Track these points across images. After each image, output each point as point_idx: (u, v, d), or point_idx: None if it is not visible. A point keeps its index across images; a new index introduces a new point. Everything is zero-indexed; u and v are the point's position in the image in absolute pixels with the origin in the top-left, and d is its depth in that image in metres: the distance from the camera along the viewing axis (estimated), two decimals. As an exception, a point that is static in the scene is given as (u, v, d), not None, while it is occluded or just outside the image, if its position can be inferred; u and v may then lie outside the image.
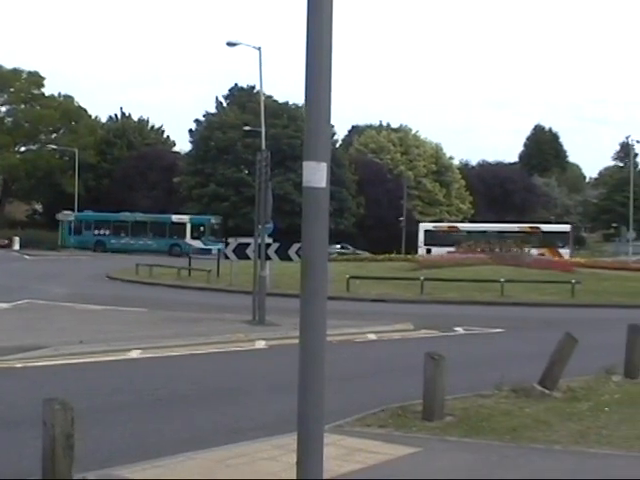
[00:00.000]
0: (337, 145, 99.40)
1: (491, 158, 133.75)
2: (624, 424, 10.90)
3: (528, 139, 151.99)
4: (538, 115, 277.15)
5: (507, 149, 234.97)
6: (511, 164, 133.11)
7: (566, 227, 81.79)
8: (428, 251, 75.91)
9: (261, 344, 20.36)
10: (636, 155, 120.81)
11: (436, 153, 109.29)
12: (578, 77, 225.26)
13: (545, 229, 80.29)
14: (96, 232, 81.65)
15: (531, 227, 79.86)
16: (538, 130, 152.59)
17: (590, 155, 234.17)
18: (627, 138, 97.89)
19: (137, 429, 10.90)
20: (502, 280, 37.67)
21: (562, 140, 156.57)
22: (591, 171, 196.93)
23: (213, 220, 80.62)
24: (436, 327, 24.61)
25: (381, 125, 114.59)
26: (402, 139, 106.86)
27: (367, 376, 15.94)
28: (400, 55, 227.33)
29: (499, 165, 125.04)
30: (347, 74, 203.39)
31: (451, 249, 70.83)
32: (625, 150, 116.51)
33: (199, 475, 8.24)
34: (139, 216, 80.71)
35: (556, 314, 30.92)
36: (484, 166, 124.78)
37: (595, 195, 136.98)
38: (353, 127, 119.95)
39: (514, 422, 10.82)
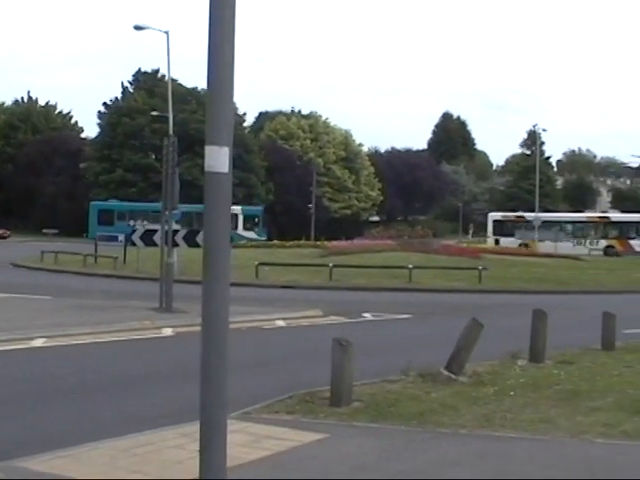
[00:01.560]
0: (246, 131, 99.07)
1: (400, 145, 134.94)
2: (528, 408, 11.05)
3: (437, 127, 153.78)
4: (447, 103, 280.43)
5: (416, 136, 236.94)
6: (420, 151, 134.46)
7: (638, 216, 75.15)
8: (497, 242, 73.63)
9: (168, 331, 20.17)
10: (542, 143, 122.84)
11: (346, 140, 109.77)
12: (486, 66, 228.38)
13: (614, 218, 75.40)
14: (132, 223, 78.43)
15: (600, 216, 76.40)
16: (446, 118, 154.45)
17: (497, 143, 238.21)
18: (534, 126, 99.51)
19: (39, 419, 10.68)
20: (410, 266, 37.96)
21: (470, 128, 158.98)
22: (498, 159, 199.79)
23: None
24: (345, 313, 24.67)
25: (292, 111, 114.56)
26: (312, 126, 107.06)
27: (275, 363, 15.90)
28: (310, 41, 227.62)
29: (408, 152, 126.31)
30: (258, 60, 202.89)
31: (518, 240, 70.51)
32: (532, 138, 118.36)
33: (104, 464, 8.10)
34: (183, 207, 77.99)
35: (463, 300, 31.28)
36: (393, 153, 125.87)
37: (502, 182, 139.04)
38: (261, 113, 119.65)
39: (421, 407, 10.88)
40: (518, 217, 78.42)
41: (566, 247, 68.18)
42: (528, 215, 77.41)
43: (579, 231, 73.11)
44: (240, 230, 75.29)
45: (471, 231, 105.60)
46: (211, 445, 5.18)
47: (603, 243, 70.66)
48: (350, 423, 10.05)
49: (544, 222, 74.27)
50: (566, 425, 10.10)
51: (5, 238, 77.00)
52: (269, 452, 8.67)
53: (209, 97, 5.14)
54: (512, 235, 72.13)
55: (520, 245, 70.39)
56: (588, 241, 71.39)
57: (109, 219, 78.61)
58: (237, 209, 78.51)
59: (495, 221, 78.25)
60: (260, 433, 9.45)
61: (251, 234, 74.23)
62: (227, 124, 5.17)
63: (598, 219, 74.60)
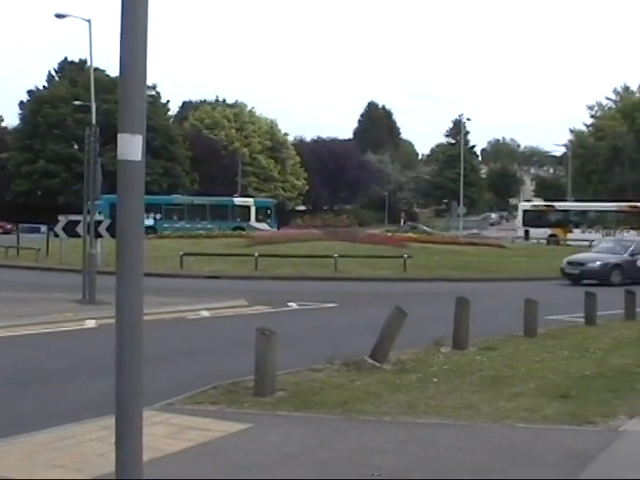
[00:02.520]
0: (170, 121, 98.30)
1: (326, 134, 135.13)
2: (451, 394, 11.14)
3: (362, 116, 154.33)
4: (373, 93, 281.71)
5: (342, 126, 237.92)
6: (345, 141, 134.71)
7: None
8: (526, 234, 70.65)
9: (91, 323, 19.89)
10: (467, 132, 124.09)
11: (271, 129, 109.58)
12: (411, 56, 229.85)
13: None
14: (145, 216, 77.41)
15: (630, 206, 71.58)
16: (372, 107, 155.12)
17: (422, 132, 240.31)
18: (459, 116, 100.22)
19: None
20: (336, 255, 38.01)
21: (396, 117, 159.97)
22: (424, 148, 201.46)
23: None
24: (270, 303, 24.60)
25: (217, 100, 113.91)
26: (237, 115, 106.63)
27: (199, 353, 15.79)
28: (235, 30, 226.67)
29: (334, 141, 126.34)
30: (182, 49, 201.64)
31: (549, 230, 68.02)
32: (457, 127, 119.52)
33: (23, 459, 7.96)
34: (196, 199, 78.35)
35: (389, 288, 31.44)
36: (319, 142, 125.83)
37: (427, 171, 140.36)
38: (185, 102, 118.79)
39: (345, 395, 10.91)
40: (547, 207, 75.72)
41: (595, 238, 63.90)
42: (558, 205, 74.37)
43: (609, 221, 70.16)
44: (253, 222, 75.23)
45: (403, 220, 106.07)
46: (127, 437, 5.13)
47: (633, 234, 65.38)
48: (274, 412, 10.04)
49: (573, 212, 71.96)
50: (489, 411, 10.20)
51: (8, 233, 75.03)
52: (192, 443, 8.61)
53: (121, 85, 5.06)
54: (542, 226, 69.49)
55: (550, 236, 68.38)
56: (618, 231, 67.42)
57: None
58: (250, 201, 78.68)
59: (525, 211, 74.91)
60: (183, 424, 9.39)
61: (263, 225, 74.21)
62: (139, 112, 5.09)
63: (628, 209, 71.08)
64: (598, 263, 34.69)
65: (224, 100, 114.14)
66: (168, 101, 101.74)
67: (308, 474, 7.63)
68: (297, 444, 8.67)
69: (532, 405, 10.46)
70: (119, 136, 5.04)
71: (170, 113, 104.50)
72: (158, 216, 76.33)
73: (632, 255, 35.00)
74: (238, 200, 79.36)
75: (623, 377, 12.50)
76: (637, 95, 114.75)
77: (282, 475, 7.61)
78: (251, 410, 10.17)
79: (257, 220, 75.75)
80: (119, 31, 4.95)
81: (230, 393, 10.99)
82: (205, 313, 22.45)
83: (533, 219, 71.55)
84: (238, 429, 9.23)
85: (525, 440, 8.93)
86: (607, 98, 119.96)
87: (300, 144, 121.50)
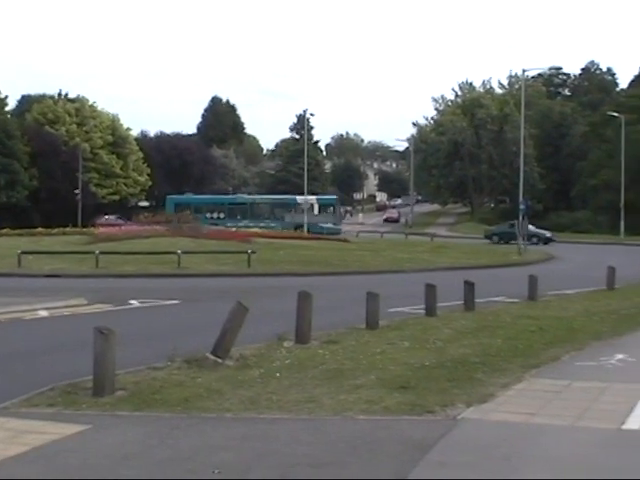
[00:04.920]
0: (8, 115, 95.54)
1: (169, 129, 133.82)
2: (294, 388, 11.19)
3: (206, 110, 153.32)
4: (218, 88, 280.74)
5: (186, 120, 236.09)
6: (189, 135, 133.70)
7: None
8: None
9: None
10: (311, 127, 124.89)
11: (113, 124, 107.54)
12: (259, 52, 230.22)
13: None
14: (209, 215, 76.40)
15: None
16: (216, 102, 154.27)
17: (269, 127, 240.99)
18: (304, 111, 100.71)
19: None
20: (179, 252, 37.63)
21: (240, 112, 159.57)
22: (269, 143, 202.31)
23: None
24: (111, 301, 24.14)
25: (60, 95, 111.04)
26: (78, 110, 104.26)
27: (36, 355, 15.31)
28: (75, 23, 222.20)
29: (177, 136, 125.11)
30: (21, 41, 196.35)
31: None
32: (301, 122, 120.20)
33: None
34: (259, 198, 78.85)
35: (233, 284, 31.30)
36: (162, 137, 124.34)
37: (272, 166, 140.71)
38: (23, 96, 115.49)
39: (186, 393, 10.82)
40: None
41: None
42: None
43: None
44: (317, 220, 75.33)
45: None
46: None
47: None
48: (113, 413, 9.89)
49: None
50: (330, 404, 10.28)
51: None
52: (28, 447, 8.40)
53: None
54: None
55: None
56: None
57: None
58: (313, 199, 77.23)
59: None
60: (19, 428, 9.18)
61: (328, 224, 74.32)
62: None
63: None
64: None
65: (66, 94, 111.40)
66: (7, 96, 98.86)
67: (147, 474, 7.53)
68: (137, 444, 8.54)
69: (373, 397, 10.59)
70: None
71: (8, 108, 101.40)
72: (222, 215, 76.59)
73: None
74: (300, 198, 78.82)
75: (462, 367, 12.82)
76: (478, 91, 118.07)
77: (120, 476, 7.47)
78: (89, 411, 9.98)
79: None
80: None
81: (68, 394, 10.75)
82: (43, 313, 21.81)
83: None
84: (76, 431, 9.04)
85: (366, 431, 9.04)
86: (452, 90, 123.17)
87: (143, 139, 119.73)
